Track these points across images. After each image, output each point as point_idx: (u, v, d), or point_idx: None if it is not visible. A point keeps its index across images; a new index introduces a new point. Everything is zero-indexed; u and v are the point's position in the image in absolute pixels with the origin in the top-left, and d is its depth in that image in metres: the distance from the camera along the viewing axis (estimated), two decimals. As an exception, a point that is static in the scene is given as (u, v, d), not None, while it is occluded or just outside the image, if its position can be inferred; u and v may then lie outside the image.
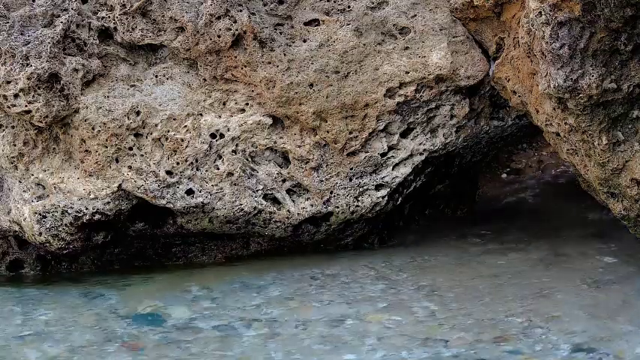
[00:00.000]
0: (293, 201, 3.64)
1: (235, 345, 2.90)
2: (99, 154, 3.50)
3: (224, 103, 3.60)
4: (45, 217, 3.50)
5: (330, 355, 2.80)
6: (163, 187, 3.53)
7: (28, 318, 3.23)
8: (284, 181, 3.63)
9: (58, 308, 3.32)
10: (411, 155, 3.71)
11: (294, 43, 3.58)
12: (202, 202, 3.55)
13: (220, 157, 3.57)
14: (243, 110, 3.60)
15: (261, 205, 3.61)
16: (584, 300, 3.15)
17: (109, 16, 3.56)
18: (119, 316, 3.20)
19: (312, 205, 3.64)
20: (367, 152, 3.65)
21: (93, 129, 3.50)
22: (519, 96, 3.48)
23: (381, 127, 3.64)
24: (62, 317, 3.21)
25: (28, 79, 3.41)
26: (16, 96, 3.43)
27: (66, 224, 3.51)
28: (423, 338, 2.88)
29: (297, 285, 3.46)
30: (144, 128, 3.54)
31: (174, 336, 3.00)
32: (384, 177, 3.69)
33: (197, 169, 3.56)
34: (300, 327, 3.02)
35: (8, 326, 3.15)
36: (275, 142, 3.61)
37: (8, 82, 3.44)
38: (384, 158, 3.68)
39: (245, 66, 3.54)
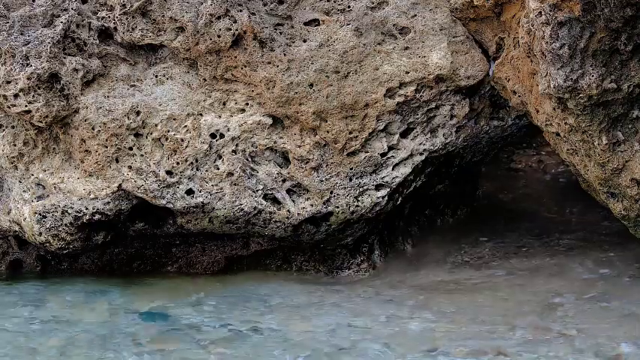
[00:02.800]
0: (293, 201, 3.64)
1: (239, 348, 2.90)
2: (99, 154, 3.50)
3: (224, 103, 3.60)
4: (45, 217, 3.50)
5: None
6: (163, 187, 3.53)
7: (32, 314, 3.23)
8: (284, 181, 3.63)
9: (62, 306, 3.32)
10: (411, 155, 3.70)
11: (294, 43, 3.58)
12: (202, 202, 3.55)
13: (220, 157, 3.57)
14: (243, 110, 3.60)
15: (261, 205, 3.61)
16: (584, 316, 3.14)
17: (109, 16, 3.56)
18: (125, 313, 3.21)
19: (312, 205, 3.63)
20: (367, 152, 3.65)
21: (93, 129, 3.50)
22: (519, 96, 3.48)
23: (381, 127, 3.64)
24: (67, 314, 3.22)
25: (28, 79, 3.41)
26: (16, 96, 3.44)
27: (66, 224, 3.51)
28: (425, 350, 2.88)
29: (299, 295, 3.46)
30: (144, 128, 3.54)
31: (177, 334, 3.00)
32: (384, 177, 3.69)
33: (197, 169, 3.56)
34: (301, 336, 3.02)
35: (17, 321, 3.17)
36: (275, 142, 3.61)
37: (8, 82, 3.44)
38: (384, 158, 3.67)
39: (245, 66, 3.54)
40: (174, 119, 3.54)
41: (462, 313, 3.16)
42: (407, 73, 3.61)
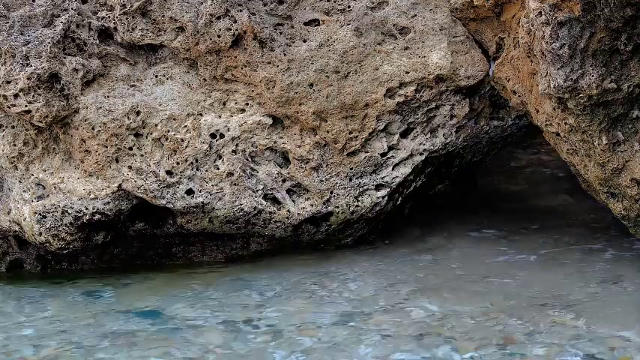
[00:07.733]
0: (293, 201, 3.65)
1: (237, 343, 2.90)
2: (99, 154, 3.50)
3: (224, 103, 3.60)
4: (45, 217, 3.50)
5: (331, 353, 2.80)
6: (163, 187, 3.53)
7: (29, 316, 3.23)
8: (284, 181, 3.63)
9: (57, 306, 3.32)
10: (411, 155, 3.71)
11: (294, 43, 3.59)
12: (202, 202, 3.55)
13: (220, 157, 3.57)
14: (243, 110, 3.60)
15: (261, 205, 3.61)
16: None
17: (109, 16, 3.56)
18: (118, 312, 3.20)
19: (312, 205, 3.64)
20: (367, 152, 3.65)
21: (93, 129, 3.50)
22: (519, 96, 3.48)
23: (381, 127, 3.64)
24: (62, 315, 3.22)
25: (28, 79, 3.41)
26: (16, 96, 3.44)
27: (66, 224, 3.51)
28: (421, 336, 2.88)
29: (298, 285, 3.46)
30: (144, 128, 3.54)
31: (173, 332, 3.00)
32: (384, 177, 3.69)
33: (197, 169, 3.56)
34: (301, 326, 3.02)
35: (10, 324, 3.16)
36: (275, 142, 3.61)
37: (8, 82, 3.44)
38: (384, 158, 3.68)
39: (245, 66, 3.55)
40: (174, 119, 3.54)
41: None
42: (407, 73, 3.61)
